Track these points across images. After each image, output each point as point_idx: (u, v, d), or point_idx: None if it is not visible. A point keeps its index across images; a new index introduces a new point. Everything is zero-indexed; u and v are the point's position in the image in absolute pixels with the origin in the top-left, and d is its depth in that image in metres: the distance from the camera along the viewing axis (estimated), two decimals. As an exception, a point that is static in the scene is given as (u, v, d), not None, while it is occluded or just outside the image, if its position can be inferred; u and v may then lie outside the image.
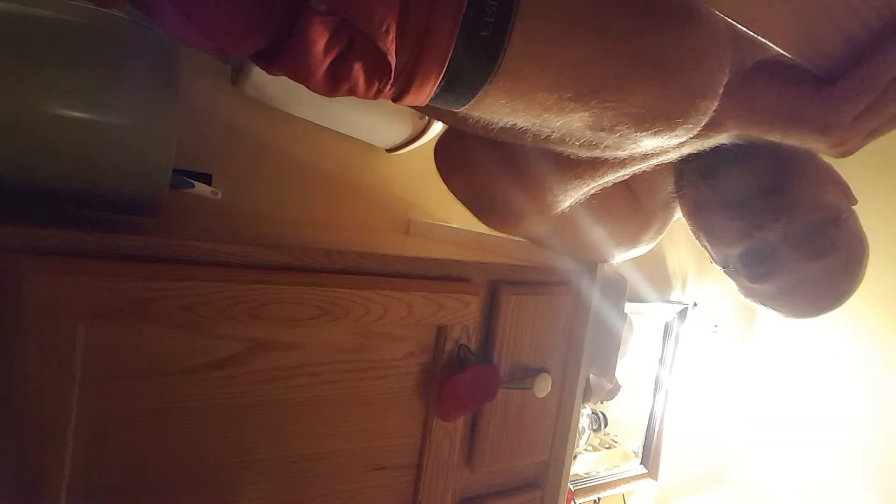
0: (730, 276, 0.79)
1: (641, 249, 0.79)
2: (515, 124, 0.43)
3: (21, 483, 0.49)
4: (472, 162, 0.68)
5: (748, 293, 0.79)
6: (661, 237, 0.81)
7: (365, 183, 1.20)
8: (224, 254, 0.56)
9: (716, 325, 2.01)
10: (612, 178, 0.59)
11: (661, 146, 0.45)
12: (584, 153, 0.47)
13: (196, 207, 0.95)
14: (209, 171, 0.97)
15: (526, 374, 0.78)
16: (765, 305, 0.80)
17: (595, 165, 0.56)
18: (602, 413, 1.44)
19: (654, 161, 0.54)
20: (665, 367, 1.84)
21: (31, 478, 0.49)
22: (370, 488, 0.69)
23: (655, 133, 0.41)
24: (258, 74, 0.93)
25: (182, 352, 0.55)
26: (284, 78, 0.96)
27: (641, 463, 1.85)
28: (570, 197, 0.62)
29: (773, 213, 0.67)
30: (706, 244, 0.77)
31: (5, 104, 0.53)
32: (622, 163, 0.54)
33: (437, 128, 1.08)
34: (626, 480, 1.77)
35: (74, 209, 0.58)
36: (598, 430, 1.43)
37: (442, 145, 0.72)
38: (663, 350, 1.86)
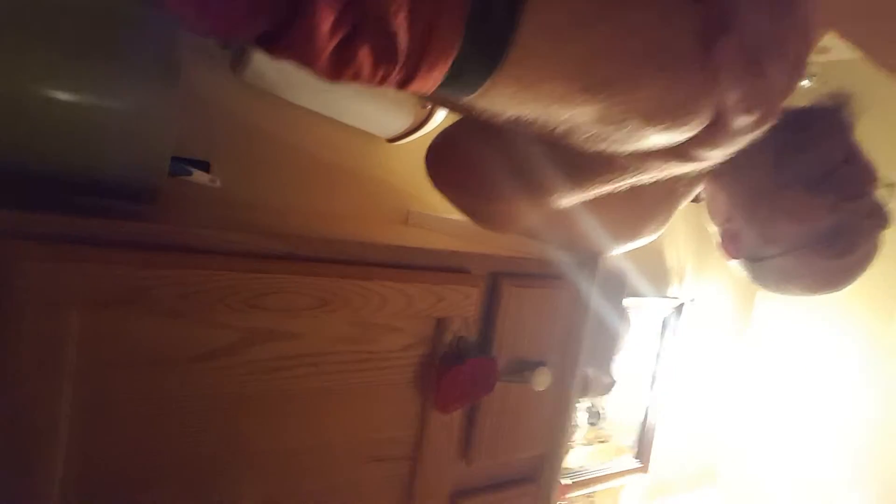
0: (789, 260, 0.78)
1: (644, 241, 0.79)
2: (521, 116, 0.42)
3: (14, 474, 0.48)
4: (461, 177, 0.67)
5: (819, 274, 0.78)
6: (664, 228, 0.80)
7: (364, 173, 1.19)
8: (222, 242, 0.55)
9: (712, 323, 2.01)
10: (610, 188, 0.58)
11: (668, 142, 0.44)
12: (590, 147, 0.46)
13: (194, 196, 0.94)
14: (207, 159, 0.96)
15: (524, 368, 0.77)
16: (819, 286, 0.79)
17: (591, 178, 0.55)
18: (600, 408, 1.44)
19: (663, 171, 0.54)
20: (661, 363, 1.84)
21: (23, 469, 0.48)
22: (366, 480, 0.69)
23: (665, 129, 0.40)
24: (258, 62, 0.92)
25: (178, 341, 0.54)
26: (284, 65, 0.94)
27: (636, 457, 1.86)
28: (567, 201, 0.61)
29: (858, 181, 0.69)
30: (780, 225, 0.76)
31: (2, 86, 0.52)
32: (622, 172, 0.54)
33: (440, 118, 1.07)
34: (621, 474, 1.78)
35: (71, 195, 0.57)
36: (595, 424, 1.43)
37: (433, 159, 0.72)
38: (660, 345, 1.86)
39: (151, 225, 0.52)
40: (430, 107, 1.06)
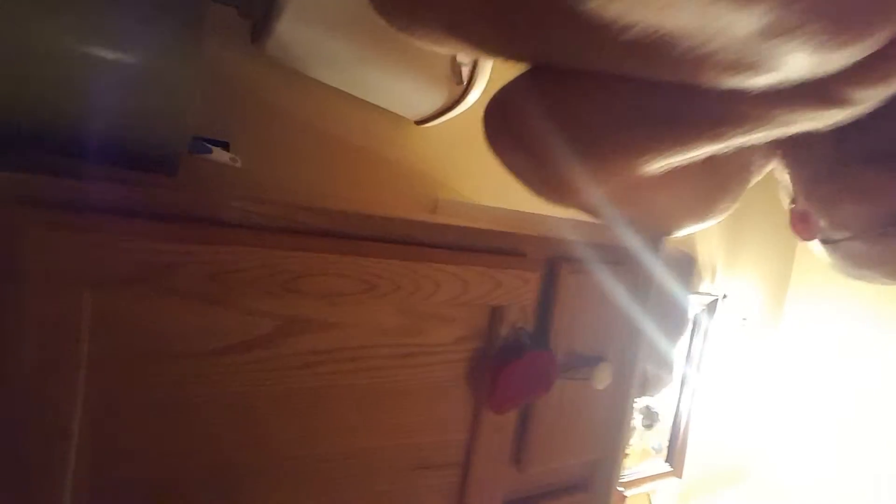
0: (871, 244, 0.69)
1: (714, 220, 0.71)
2: (661, 27, 0.34)
3: (21, 479, 0.41)
4: (528, 139, 0.58)
5: (865, 260, 0.69)
6: (735, 206, 0.72)
7: (391, 157, 1.11)
8: (257, 215, 0.48)
9: (745, 318, 1.92)
10: (717, 147, 0.50)
11: (819, 71, 0.36)
12: (721, 81, 0.38)
13: (213, 176, 0.86)
14: (226, 138, 0.89)
15: (582, 363, 0.69)
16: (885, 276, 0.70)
17: (703, 130, 0.47)
18: (655, 409, 1.35)
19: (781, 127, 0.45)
20: (693, 364, 1.76)
21: (31, 473, 0.41)
22: (411, 490, 0.61)
23: (841, 45, 0.32)
24: (281, 32, 0.85)
25: (206, 330, 0.47)
26: (309, 37, 0.85)
27: (666, 461, 1.77)
28: (659, 164, 0.53)
29: None
30: (848, 206, 0.67)
31: (15, 39, 0.45)
32: (740, 125, 0.45)
33: (474, 97, 1.00)
34: (651, 478, 1.70)
35: (85, 161, 0.50)
36: (651, 426, 1.35)
37: (499, 111, 0.63)
38: (691, 345, 1.77)
39: (176, 193, 0.45)
40: (465, 84, 0.98)
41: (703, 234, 1.79)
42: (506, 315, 0.61)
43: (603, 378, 0.69)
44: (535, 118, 0.54)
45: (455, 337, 0.60)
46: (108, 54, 0.48)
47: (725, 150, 0.50)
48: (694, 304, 1.72)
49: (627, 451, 1.41)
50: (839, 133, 0.66)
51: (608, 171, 0.55)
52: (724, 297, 1.83)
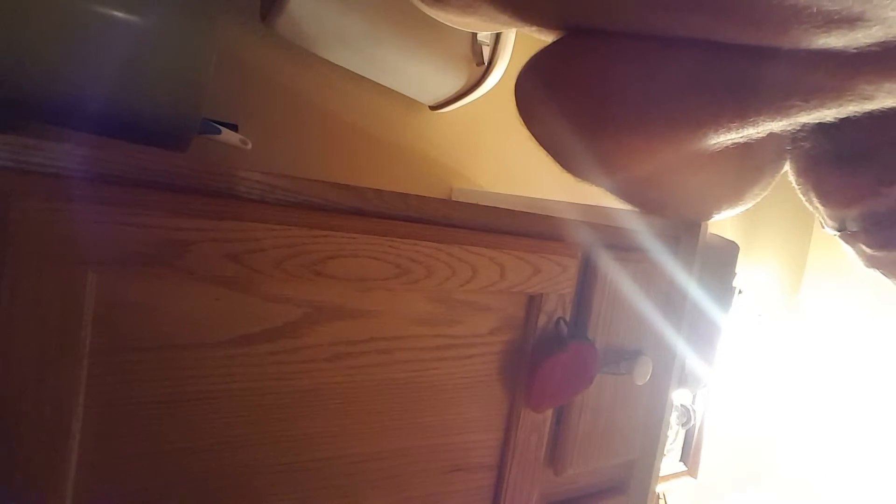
0: (845, 242, 0.66)
1: (745, 206, 0.66)
2: None
3: (16, 487, 0.36)
4: (570, 106, 0.53)
5: (870, 261, 0.65)
6: (765, 194, 0.67)
7: (403, 144, 1.06)
8: (282, 190, 0.43)
9: (760, 314, 1.88)
10: (779, 125, 0.45)
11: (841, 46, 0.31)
12: (804, 35, 0.33)
13: (221, 159, 0.81)
14: (233, 120, 0.84)
15: (621, 357, 0.65)
16: (890, 274, 0.67)
17: (771, 100, 0.43)
18: (692, 407, 1.31)
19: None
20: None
21: (28, 480, 0.36)
22: (445, 494, 0.56)
23: None
24: (293, 7, 0.80)
25: (224, 317, 0.42)
26: (323, 12, 0.80)
27: (681, 460, 1.73)
28: (712, 140, 0.48)
29: None
30: (818, 205, 0.64)
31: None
32: (811, 96, 0.41)
33: (494, 79, 0.95)
34: (665, 479, 1.65)
35: (90, 130, 0.45)
36: (686, 425, 1.30)
37: (529, 82, 0.58)
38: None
39: (191, 162, 0.40)
40: (486, 64, 0.93)
41: (719, 226, 1.75)
42: (543, 304, 0.56)
43: (643, 373, 0.64)
44: (579, 84, 0.49)
45: (490, 328, 0.55)
46: (121, 14, 0.43)
47: (787, 127, 0.45)
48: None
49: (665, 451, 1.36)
50: (814, 130, 0.61)
51: (655, 148, 0.50)
52: (740, 292, 1.79)
